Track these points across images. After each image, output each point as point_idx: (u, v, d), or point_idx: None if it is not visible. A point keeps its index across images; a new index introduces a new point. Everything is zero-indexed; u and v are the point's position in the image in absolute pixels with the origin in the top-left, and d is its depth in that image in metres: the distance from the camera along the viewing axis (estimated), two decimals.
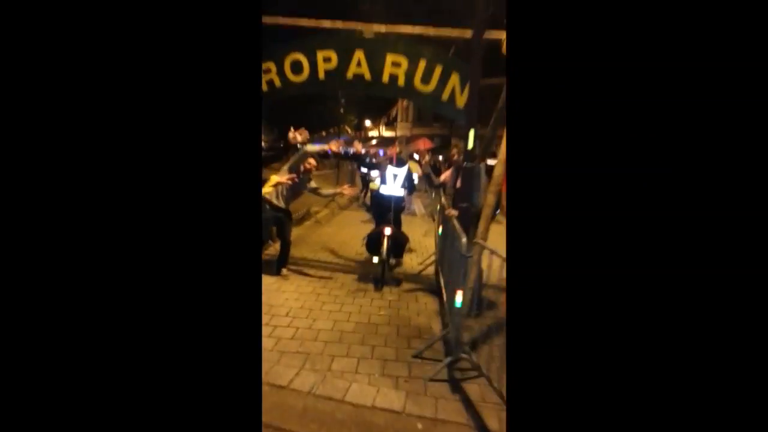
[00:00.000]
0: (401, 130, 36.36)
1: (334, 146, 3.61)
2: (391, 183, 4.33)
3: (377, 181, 4.37)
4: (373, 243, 3.94)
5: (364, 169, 8.91)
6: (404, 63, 3.48)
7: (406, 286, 3.96)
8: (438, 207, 6.15)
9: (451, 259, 2.85)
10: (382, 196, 4.34)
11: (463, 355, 2.41)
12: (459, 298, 2.33)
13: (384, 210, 4.23)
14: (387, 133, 38.39)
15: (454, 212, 3.12)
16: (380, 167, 4.40)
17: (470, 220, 2.93)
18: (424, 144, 25.27)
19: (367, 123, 39.75)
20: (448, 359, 2.43)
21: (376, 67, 3.52)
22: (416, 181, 4.56)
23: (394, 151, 4.52)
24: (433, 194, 8.63)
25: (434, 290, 3.85)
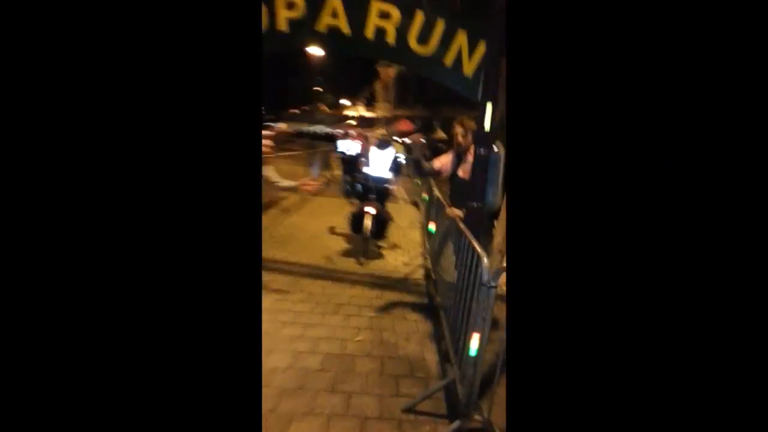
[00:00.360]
0: (381, 110, 35.93)
1: (268, 138, 2.78)
2: (376, 165, 4.34)
3: (362, 161, 4.50)
4: (356, 221, 3.99)
5: (341, 150, 8.25)
6: (395, 14, 2.67)
7: (390, 296, 3.25)
8: (426, 197, 5.49)
9: (461, 283, 2.13)
10: (369, 177, 4.35)
11: (477, 417, 1.73)
12: (475, 343, 1.62)
13: (369, 189, 4.27)
14: (367, 114, 37.73)
15: (458, 212, 2.39)
16: (365, 152, 4.47)
17: (482, 225, 2.21)
18: (405, 125, 24.63)
19: (346, 102, 38.48)
20: (456, 424, 1.74)
21: (356, 18, 2.69)
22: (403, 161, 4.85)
23: (377, 134, 4.83)
24: (419, 181, 7.92)
25: (425, 304, 3.15)
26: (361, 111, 38.63)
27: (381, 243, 4.47)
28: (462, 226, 2.15)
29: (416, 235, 5.30)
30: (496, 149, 2.18)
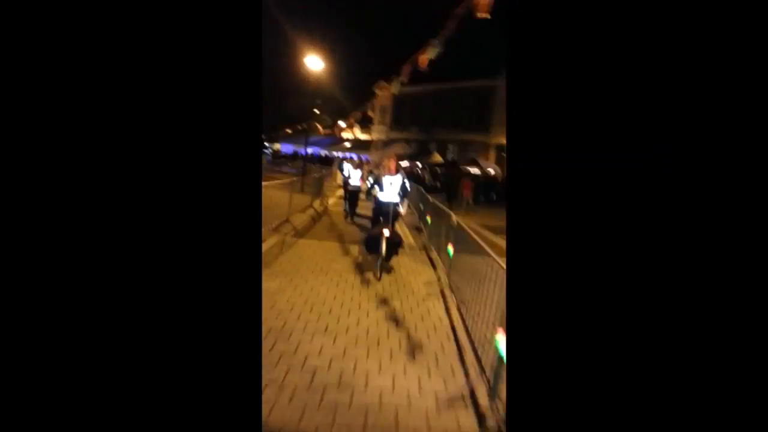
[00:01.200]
0: (377, 133, 35.10)
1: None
2: (388, 190, 4.60)
3: (376, 188, 4.67)
4: (372, 243, 4.47)
5: (346, 173, 8.25)
6: None
7: None
8: (451, 251, 3.94)
9: None
10: (381, 202, 4.62)
11: None
12: None
13: (383, 214, 4.54)
14: (362, 136, 36.87)
15: None
16: (378, 178, 4.64)
17: None
18: (398, 149, 23.48)
19: (342, 123, 37.44)
20: None
21: None
22: (408, 188, 4.75)
23: (392, 163, 4.66)
24: (427, 219, 6.28)
25: None
26: (357, 133, 37.68)
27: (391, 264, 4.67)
28: None
29: (441, 322, 3.28)
30: None
